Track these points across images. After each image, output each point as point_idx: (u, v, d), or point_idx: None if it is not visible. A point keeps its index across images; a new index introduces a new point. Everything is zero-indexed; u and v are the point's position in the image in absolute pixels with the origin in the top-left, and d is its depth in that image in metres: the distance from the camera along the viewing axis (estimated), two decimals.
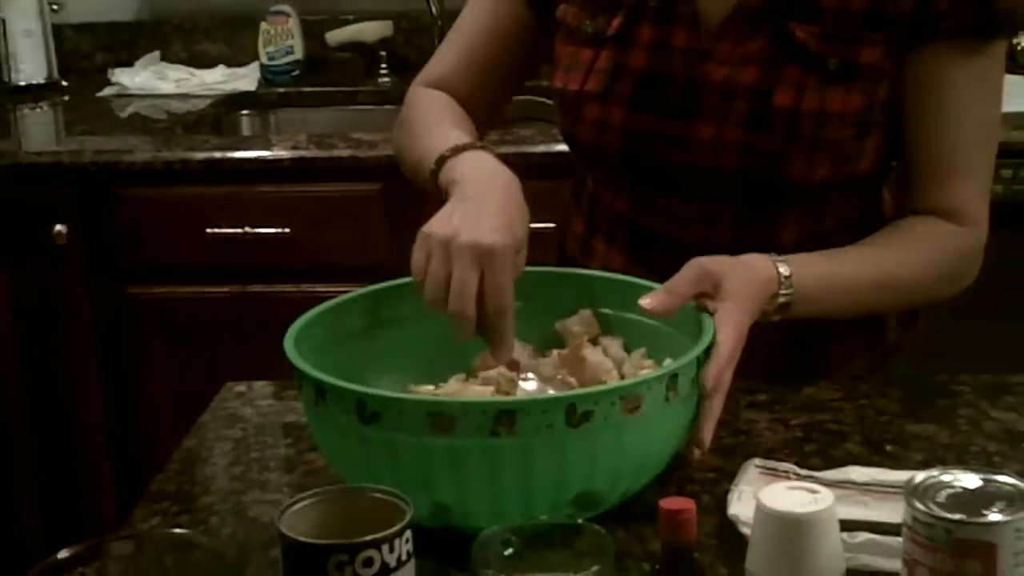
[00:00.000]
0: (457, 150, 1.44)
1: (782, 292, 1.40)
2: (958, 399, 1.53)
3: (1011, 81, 2.83)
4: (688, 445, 1.28)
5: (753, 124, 1.49)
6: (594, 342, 1.40)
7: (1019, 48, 3.03)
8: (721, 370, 1.27)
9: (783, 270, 1.40)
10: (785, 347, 1.54)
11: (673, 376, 1.20)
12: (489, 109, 1.75)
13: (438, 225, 1.30)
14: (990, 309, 2.61)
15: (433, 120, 1.60)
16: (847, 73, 1.48)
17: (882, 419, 1.49)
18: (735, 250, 1.42)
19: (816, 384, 1.56)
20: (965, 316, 1.68)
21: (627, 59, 1.54)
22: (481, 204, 1.32)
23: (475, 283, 1.26)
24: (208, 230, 2.76)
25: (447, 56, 1.74)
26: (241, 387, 1.64)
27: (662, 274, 1.37)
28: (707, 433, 1.27)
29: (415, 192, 1.69)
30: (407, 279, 1.36)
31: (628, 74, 1.53)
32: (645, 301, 1.31)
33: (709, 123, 1.51)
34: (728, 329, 1.29)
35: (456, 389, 1.36)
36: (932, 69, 1.50)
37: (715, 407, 1.27)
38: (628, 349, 1.40)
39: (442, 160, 1.44)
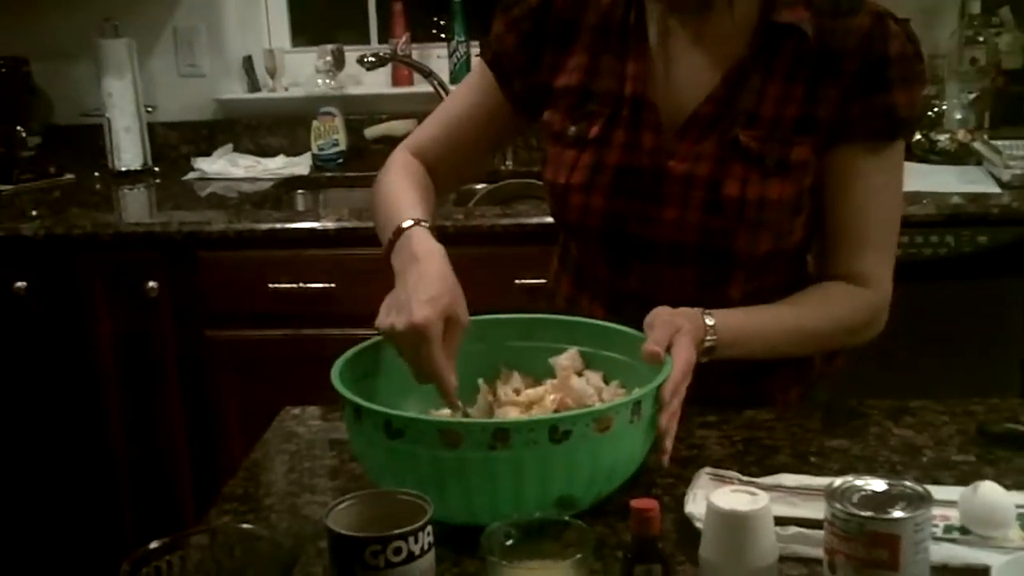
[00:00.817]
0: (401, 232, 1.46)
1: (707, 338, 1.42)
2: (868, 419, 1.53)
3: (906, 167, 2.84)
4: (657, 454, 1.28)
5: (708, 209, 1.50)
6: (579, 374, 1.41)
7: (913, 140, 3.04)
8: (675, 385, 1.28)
9: (709, 321, 1.43)
10: (735, 379, 1.55)
11: (637, 403, 1.21)
12: (457, 176, 1.82)
13: (384, 316, 1.35)
14: (892, 346, 2.60)
15: (395, 196, 1.59)
16: (782, 168, 1.49)
17: (807, 435, 1.48)
18: (694, 306, 1.44)
19: (755, 408, 1.56)
20: (874, 351, 1.68)
21: (605, 157, 1.54)
22: (412, 288, 1.34)
23: (417, 356, 1.31)
24: (270, 285, 2.76)
25: (430, 129, 1.72)
26: (296, 410, 1.64)
27: (635, 324, 1.40)
28: (668, 442, 1.28)
29: None
30: None
31: (606, 169, 1.54)
32: (646, 356, 1.33)
33: (673, 208, 1.51)
34: (681, 357, 1.32)
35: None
36: (847, 163, 1.52)
37: (670, 418, 1.27)
38: (607, 380, 1.41)
39: (391, 245, 1.46)
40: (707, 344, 1.42)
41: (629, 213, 1.54)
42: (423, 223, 1.46)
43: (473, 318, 1.41)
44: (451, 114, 1.73)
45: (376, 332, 1.37)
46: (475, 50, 3.32)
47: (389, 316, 1.33)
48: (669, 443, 1.29)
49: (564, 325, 1.49)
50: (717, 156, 1.50)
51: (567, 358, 1.43)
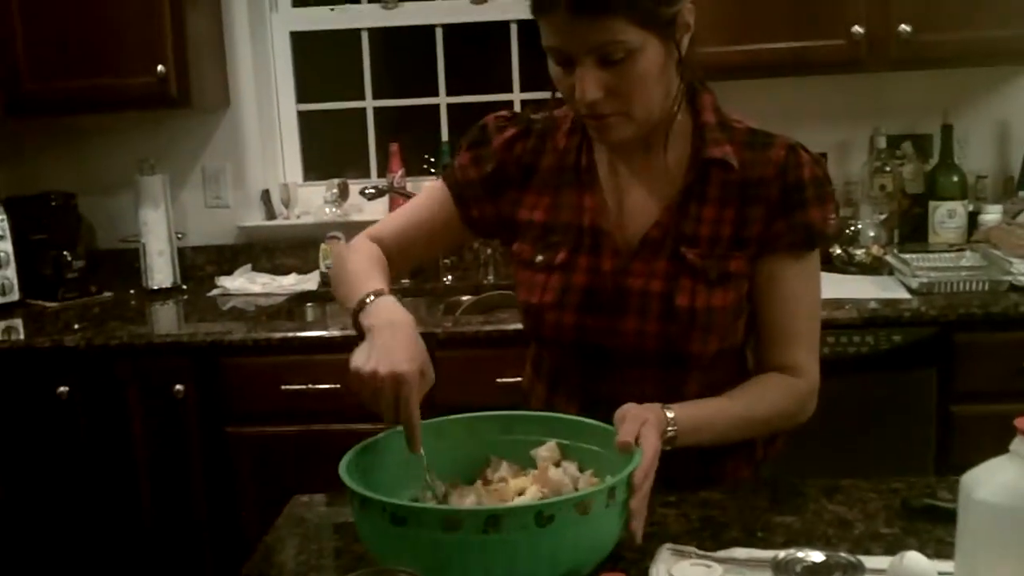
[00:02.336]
0: (372, 296, 1.46)
1: (669, 429, 1.41)
2: (806, 496, 1.51)
3: (829, 277, 2.88)
4: (629, 531, 1.26)
5: (664, 318, 1.51)
6: (557, 465, 1.39)
7: (834, 254, 3.07)
8: (645, 471, 1.26)
9: (669, 414, 1.42)
10: (695, 460, 1.53)
11: (612, 488, 1.19)
12: (408, 267, 1.85)
13: (362, 362, 1.34)
14: (825, 430, 2.59)
15: (362, 269, 1.57)
16: (723, 279, 1.51)
17: (755, 512, 1.46)
18: (656, 401, 1.44)
19: (709, 489, 1.54)
20: (810, 435, 1.68)
21: (572, 280, 1.55)
22: (391, 344, 1.35)
23: (393, 400, 1.32)
24: (283, 387, 2.74)
25: (392, 225, 1.71)
26: (305, 498, 1.61)
27: (607, 420, 1.38)
28: (638, 524, 1.26)
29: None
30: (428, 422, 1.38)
31: (574, 290, 1.54)
32: (619, 447, 1.31)
33: (634, 319, 1.52)
34: (649, 447, 1.30)
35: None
36: (774, 271, 1.54)
37: (640, 500, 1.25)
38: (582, 469, 1.38)
39: (361, 305, 1.45)
40: (669, 434, 1.41)
41: (597, 327, 1.54)
42: (393, 294, 1.49)
43: (462, 415, 1.40)
44: (411, 216, 1.72)
45: (380, 429, 1.35)
46: None
47: (370, 363, 1.33)
48: (639, 523, 1.26)
49: (542, 420, 1.47)
50: (668, 273, 1.51)
51: (546, 449, 1.41)
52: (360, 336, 1.43)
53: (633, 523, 1.26)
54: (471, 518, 1.13)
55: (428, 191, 1.73)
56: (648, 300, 1.51)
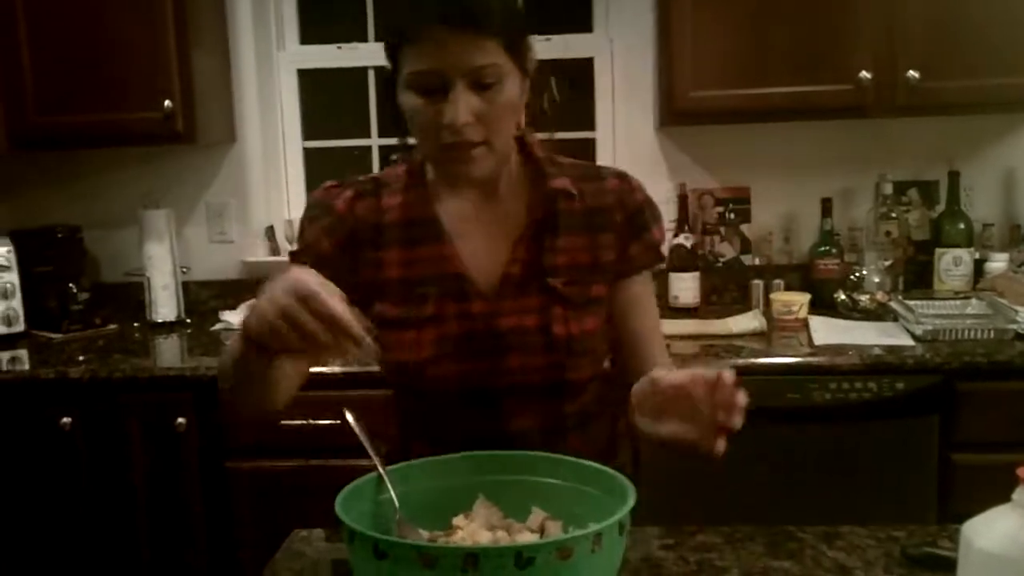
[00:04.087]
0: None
1: None
2: (804, 543, 1.51)
3: (832, 322, 2.87)
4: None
5: (545, 350, 1.53)
6: (542, 529, 1.36)
7: (838, 300, 3.08)
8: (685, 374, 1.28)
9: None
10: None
11: (598, 534, 1.16)
12: (297, 380, 1.60)
13: (255, 307, 1.26)
14: (825, 477, 2.60)
15: None
16: (589, 304, 1.56)
17: (752, 557, 1.47)
18: (545, 432, 1.54)
19: (705, 531, 1.54)
20: (809, 482, 1.68)
21: (444, 330, 1.54)
22: (275, 280, 1.26)
23: (307, 313, 1.21)
24: (282, 422, 2.74)
25: None
26: (304, 533, 1.61)
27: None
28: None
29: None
30: (419, 460, 1.39)
31: (449, 339, 1.53)
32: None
33: (515, 356, 1.53)
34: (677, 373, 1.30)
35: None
36: (635, 290, 1.63)
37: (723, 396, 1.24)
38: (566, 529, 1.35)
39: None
40: None
41: (480, 370, 1.54)
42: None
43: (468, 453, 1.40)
44: None
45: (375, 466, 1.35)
46: None
47: (262, 302, 1.25)
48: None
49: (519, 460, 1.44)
50: (540, 306, 1.54)
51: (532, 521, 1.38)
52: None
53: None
54: (449, 556, 1.12)
55: None
56: (526, 335, 1.53)
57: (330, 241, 1.59)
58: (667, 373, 1.31)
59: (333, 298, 1.22)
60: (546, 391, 1.56)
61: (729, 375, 1.24)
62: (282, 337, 1.24)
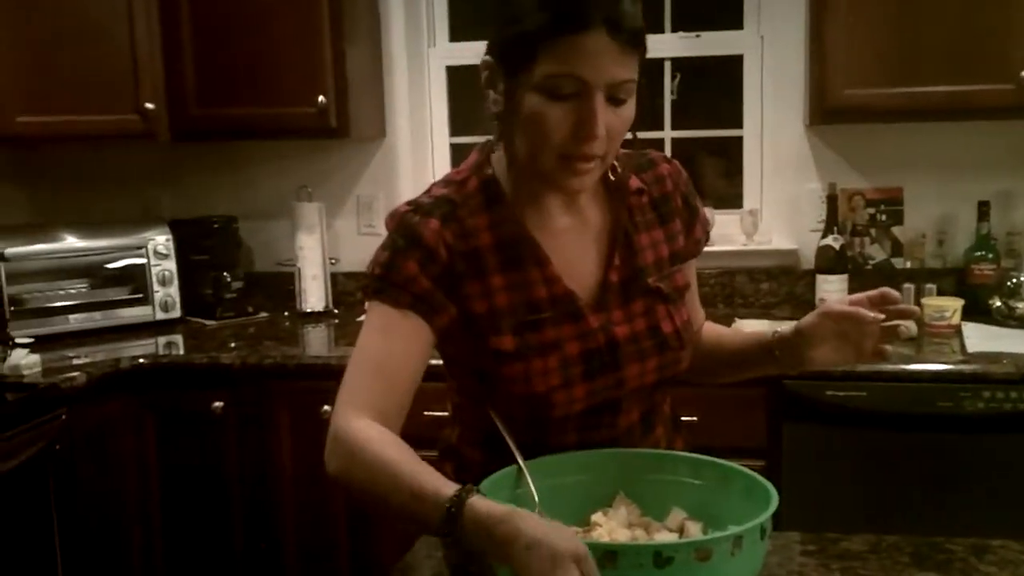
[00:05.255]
0: (458, 504, 1.18)
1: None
2: (952, 555, 1.47)
3: (987, 330, 2.78)
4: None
5: (659, 351, 1.51)
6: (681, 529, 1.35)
7: (993, 307, 2.98)
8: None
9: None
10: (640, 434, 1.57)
11: (738, 537, 1.16)
12: (402, 421, 1.45)
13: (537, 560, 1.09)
14: (977, 488, 2.52)
15: (402, 460, 1.32)
16: (679, 295, 1.56)
17: (897, 567, 1.43)
18: (642, 427, 1.55)
19: (849, 539, 1.51)
20: (960, 493, 1.63)
21: (567, 353, 1.46)
22: (544, 533, 1.11)
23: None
24: (425, 413, 2.78)
25: (369, 384, 1.42)
26: None
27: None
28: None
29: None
30: (559, 455, 1.43)
31: (573, 362, 1.46)
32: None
33: (633, 364, 1.49)
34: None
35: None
36: (691, 268, 1.65)
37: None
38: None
39: (458, 501, 1.18)
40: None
41: (604, 386, 1.48)
42: (473, 491, 1.20)
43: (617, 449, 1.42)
44: (390, 368, 1.42)
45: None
46: None
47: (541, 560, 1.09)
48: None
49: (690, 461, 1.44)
50: (645, 308, 1.51)
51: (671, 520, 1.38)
52: (451, 533, 1.19)
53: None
54: (590, 551, 1.10)
55: (378, 330, 1.45)
56: (640, 341, 1.50)
57: (427, 277, 1.42)
58: (833, 303, 1.49)
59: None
60: (656, 387, 1.55)
61: (890, 291, 1.44)
62: None
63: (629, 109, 1.38)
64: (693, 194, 1.63)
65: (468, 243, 1.45)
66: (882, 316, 1.44)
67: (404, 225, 1.45)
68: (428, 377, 1.43)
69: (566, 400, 1.45)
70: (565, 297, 1.46)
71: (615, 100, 1.35)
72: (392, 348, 1.41)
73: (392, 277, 1.42)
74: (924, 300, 3.03)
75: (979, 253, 3.16)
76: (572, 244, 1.50)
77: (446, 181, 1.53)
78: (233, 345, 3.07)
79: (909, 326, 1.42)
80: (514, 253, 1.46)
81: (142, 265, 3.36)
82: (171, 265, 3.39)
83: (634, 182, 1.54)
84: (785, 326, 1.54)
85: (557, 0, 1.31)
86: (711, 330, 1.73)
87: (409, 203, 1.48)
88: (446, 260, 1.43)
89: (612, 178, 1.52)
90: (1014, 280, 3.05)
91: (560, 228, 1.50)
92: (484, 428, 1.50)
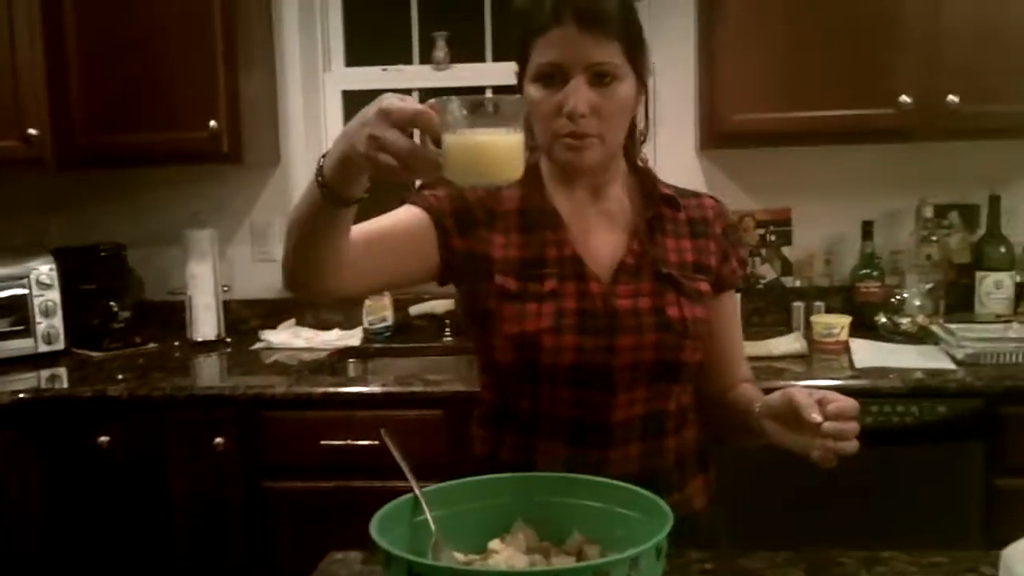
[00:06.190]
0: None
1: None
2: (845, 568, 1.49)
3: (874, 345, 2.84)
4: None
5: (660, 328, 1.60)
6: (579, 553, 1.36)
7: (879, 323, 3.05)
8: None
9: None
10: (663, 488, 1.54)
11: (635, 559, 1.15)
12: (369, 279, 1.59)
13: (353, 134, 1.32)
14: (866, 501, 2.57)
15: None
16: (698, 296, 1.65)
17: None
18: (645, 430, 1.61)
19: (747, 556, 1.52)
20: (849, 507, 1.66)
21: (564, 305, 1.59)
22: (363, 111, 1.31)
23: (397, 132, 1.26)
24: (322, 442, 2.75)
25: (363, 226, 1.55)
26: (340, 555, 1.60)
27: (595, 452, 1.58)
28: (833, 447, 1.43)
29: (468, 415, 1.71)
30: (457, 481, 1.39)
31: (568, 313, 1.58)
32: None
33: (629, 335, 1.58)
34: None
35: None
36: (728, 305, 1.78)
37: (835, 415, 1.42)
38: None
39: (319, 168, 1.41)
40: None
41: (595, 346, 1.57)
42: None
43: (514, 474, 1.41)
44: (385, 224, 1.60)
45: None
46: None
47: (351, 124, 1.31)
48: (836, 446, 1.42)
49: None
50: (653, 290, 1.62)
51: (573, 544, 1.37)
52: (325, 185, 1.39)
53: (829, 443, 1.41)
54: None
55: (399, 211, 1.64)
56: (640, 316, 1.60)
57: (450, 205, 1.63)
58: (795, 390, 1.47)
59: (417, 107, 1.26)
60: (655, 375, 1.60)
61: (849, 405, 1.42)
62: (373, 144, 1.29)
63: (621, 91, 1.55)
64: (736, 232, 1.78)
65: (492, 204, 1.64)
66: (821, 422, 1.41)
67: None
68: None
69: (554, 345, 1.56)
70: (572, 260, 1.61)
71: (600, 82, 1.53)
72: (398, 219, 1.62)
73: (422, 190, 1.65)
74: (813, 318, 3.10)
75: (864, 271, 3.25)
76: (595, 225, 1.66)
77: None
78: (121, 376, 2.98)
79: (845, 447, 1.39)
80: (534, 218, 1.64)
81: (23, 296, 3.24)
82: (54, 295, 3.27)
83: (668, 191, 1.70)
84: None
85: (539, 1, 1.54)
86: (751, 391, 1.71)
87: None
88: (468, 204, 1.63)
89: (640, 164, 1.72)
90: (898, 297, 3.14)
91: (585, 210, 1.66)
92: (491, 406, 1.68)
